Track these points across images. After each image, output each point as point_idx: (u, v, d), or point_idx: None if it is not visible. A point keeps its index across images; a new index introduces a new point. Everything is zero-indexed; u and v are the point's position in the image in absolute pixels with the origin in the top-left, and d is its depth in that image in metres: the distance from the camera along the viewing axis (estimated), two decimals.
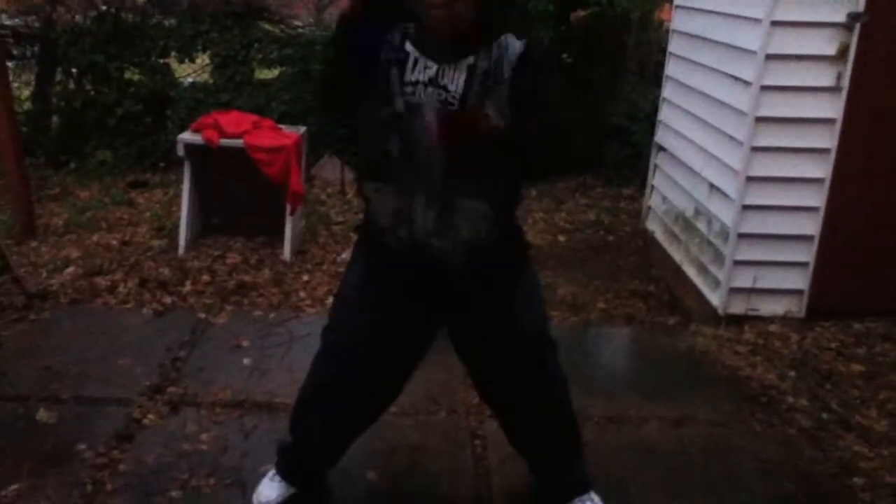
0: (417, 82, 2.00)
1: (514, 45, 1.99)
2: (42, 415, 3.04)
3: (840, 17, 3.60)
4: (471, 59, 1.99)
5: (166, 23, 6.80)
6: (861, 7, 3.56)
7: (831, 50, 3.64)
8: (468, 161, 1.96)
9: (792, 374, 3.51)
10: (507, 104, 1.97)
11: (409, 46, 2.02)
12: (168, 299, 4.14)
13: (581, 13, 6.46)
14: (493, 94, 1.97)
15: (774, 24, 3.62)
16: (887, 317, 3.95)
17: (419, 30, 2.01)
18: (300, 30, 7.10)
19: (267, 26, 6.88)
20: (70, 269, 4.46)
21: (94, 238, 5.01)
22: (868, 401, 3.31)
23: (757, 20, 3.69)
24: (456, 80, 1.98)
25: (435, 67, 1.99)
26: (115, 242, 4.94)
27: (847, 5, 3.58)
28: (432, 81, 1.99)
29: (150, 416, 3.07)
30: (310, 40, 6.68)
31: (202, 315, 3.96)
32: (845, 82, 3.67)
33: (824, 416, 3.20)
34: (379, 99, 2.03)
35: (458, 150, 1.95)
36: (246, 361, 3.52)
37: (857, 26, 3.58)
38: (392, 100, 2.01)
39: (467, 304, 2.19)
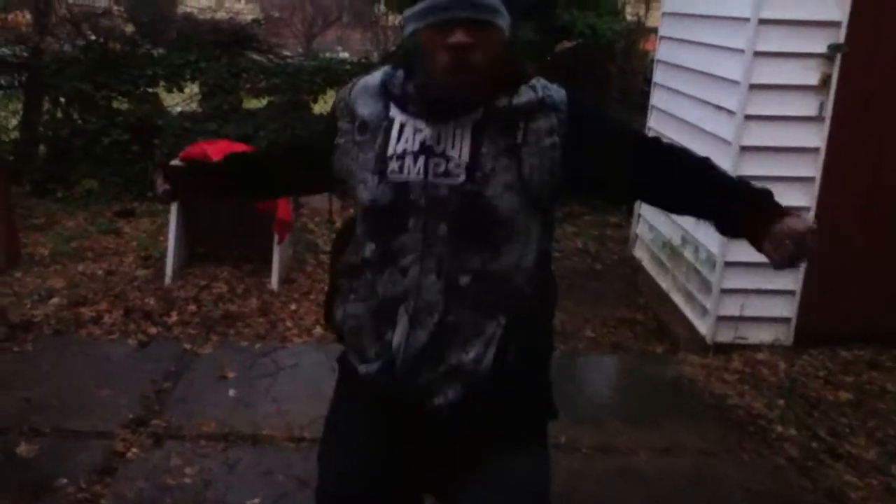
0: (404, 154, 1.50)
1: (557, 92, 1.52)
2: (22, 448, 2.99)
3: (821, 48, 3.65)
4: (478, 114, 1.49)
5: (155, 52, 6.81)
6: (841, 38, 3.61)
7: (813, 80, 3.69)
8: (481, 247, 1.49)
9: (780, 402, 3.50)
10: (559, 164, 1.48)
11: (394, 112, 1.54)
12: (153, 329, 4.10)
13: (566, 44, 6.54)
14: (516, 153, 1.48)
15: (757, 54, 3.67)
16: (873, 344, 3.97)
17: (407, 88, 1.54)
18: (288, 59, 7.14)
19: (255, 56, 6.91)
20: (54, 300, 4.42)
21: (80, 267, 4.97)
22: (857, 429, 3.31)
23: (740, 51, 3.74)
24: (458, 144, 1.48)
25: (428, 130, 1.50)
26: (100, 272, 4.90)
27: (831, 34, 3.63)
28: (424, 149, 1.49)
29: (133, 450, 3.02)
30: (298, 69, 6.70)
31: (187, 345, 3.93)
32: (828, 111, 3.71)
33: (813, 444, 3.19)
34: (356, 183, 1.57)
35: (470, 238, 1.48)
36: (231, 393, 3.48)
37: (838, 57, 3.63)
38: (367, 182, 1.53)
39: (452, 463, 1.61)
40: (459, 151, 1.47)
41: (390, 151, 1.51)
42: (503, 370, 1.52)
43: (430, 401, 1.53)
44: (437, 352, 1.50)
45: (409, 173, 1.48)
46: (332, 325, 1.72)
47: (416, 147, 1.49)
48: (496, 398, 1.53)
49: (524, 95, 1.50)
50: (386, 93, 1.56)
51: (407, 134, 1.51)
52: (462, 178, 1.46)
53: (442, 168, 1.47)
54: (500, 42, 1.45)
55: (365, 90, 1.59)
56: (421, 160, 1.48)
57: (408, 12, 1.45)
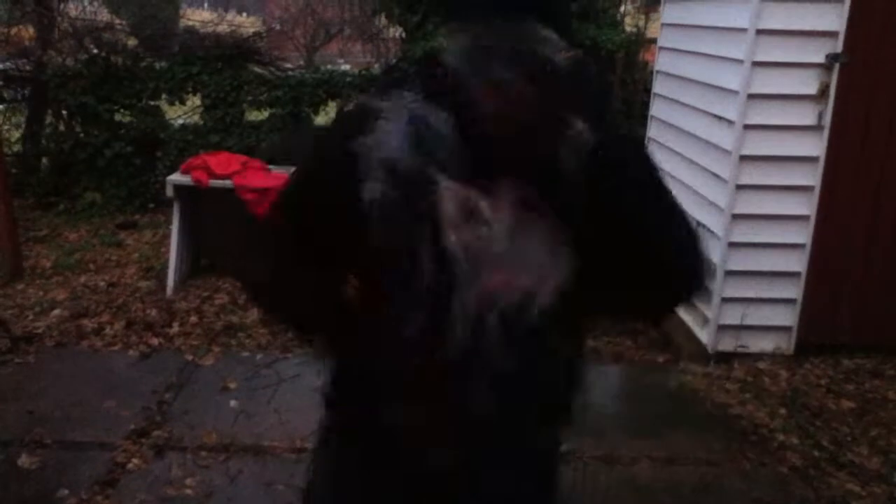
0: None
1: (583, 134, 1.15)
2: (24, 460, 3.00)
3: (820, 58, 3.66)
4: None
5: (157, 65, 6.85)
6: (840, 48, 3.63)
7: (812, 90, 3.70)
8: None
9: (782, 411, 3.50)
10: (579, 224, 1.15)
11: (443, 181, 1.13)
12: (155, 341, 4.11)
13: (567, 54, 6.56)
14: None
15: (756, 64, 3.68)
16: (876, 353, 3.96)
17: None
18: (290, 72, 7.17)
19: (257, 69, 6.95)
20: (56, 312, 4.43)
21: (82, 280, 4.98)
22: (859, 438, 3.30)
23: (739, 61, 3.75)
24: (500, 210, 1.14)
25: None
26: (102, 284, 4.91)
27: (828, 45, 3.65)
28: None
29: (135, 461, 3.02)
30: (300, 82, 6.74)
31: (189, 357, 3.93)
32: (827, 121, 3.72)
33: (815, 453, 3.18)
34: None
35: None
36: (233, 404, 3.48)
37: (837, 66, 3.65)
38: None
39: None
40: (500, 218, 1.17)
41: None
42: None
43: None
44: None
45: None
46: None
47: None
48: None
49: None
50: (421, 143, 1.18)
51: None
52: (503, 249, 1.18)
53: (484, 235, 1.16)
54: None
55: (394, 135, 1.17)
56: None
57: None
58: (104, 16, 8.12)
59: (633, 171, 1.24)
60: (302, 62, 9.84)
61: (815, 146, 3.76)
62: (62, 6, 7.30)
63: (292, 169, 1.36)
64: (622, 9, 7.46)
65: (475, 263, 1.13)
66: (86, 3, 8.02)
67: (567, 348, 1.26)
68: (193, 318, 4.39)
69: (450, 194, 1.12)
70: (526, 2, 1.19)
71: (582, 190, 1.13)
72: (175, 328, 4.26)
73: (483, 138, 1.14)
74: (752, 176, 3.81)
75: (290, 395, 3.57)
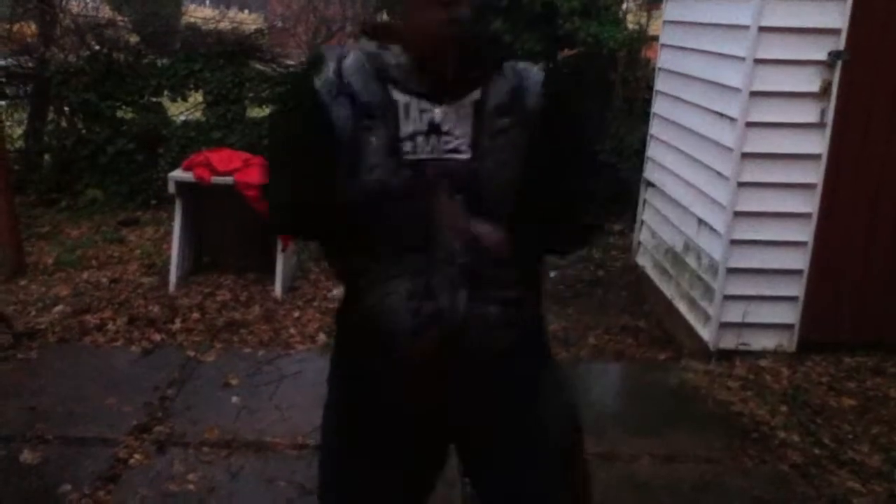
0: (415, 134, 1.52)
1: (533, 73, 1.59)
2: (26, 456, 3.00)
3: (822, 55, 3.66)
4: (477, 94, 1.54)
5: (159, 62, 6.86)
6: (842, 45, 3.63)
7: (814, 87, 3.70)
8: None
9: (783, 409, 3.50)
10: (524, 148, 1.55)
11: (395, 93, 1.53)
12: (157, 337, 4.12)
13: (569, 52, 6.56)
14: (510, 135, 1.55)
15: (758, 61, 3.68)
16: (877, 350, 3.96)
17: (404, 67, 1.54)
18: (292, 69, 7.17)
19: (259, 65, 6.95)
20: (59, 308, 4.44)
21: (84, 276, 4.99)
22: (860, 436, 3.30)
23: (741, 58, 3.75)
24: (462, 123, 1.53)
25: (434, 110, 1.52)
26: (104, 280, 4.92)
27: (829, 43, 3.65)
28: (433, 128, 1.52)
29: (137, 456, 3.03)
30: None
31: (191, 353, 3.94)
32: (829, 118, 3.72)
33: (816, 451, 3.18)
34: (358, 171, 1.53)
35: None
36: (235, 400, 3.49)
37: (839, 64, 3.64)
38: (380, 166, 1.51)
39: (491, 413, 1.64)
40: (463, 131, 1.52)
41: (402, 133, 1.52)
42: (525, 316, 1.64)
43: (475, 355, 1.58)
44: (479, 307, 1.55)
45: (421, 152, 1.51)
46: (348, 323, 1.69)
47: (425, 127, 1.52)
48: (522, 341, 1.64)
49: (509, 77, 1.57)
50: (380, 75, 1.54)
51: (413, 114, 1.52)
52: (468, 154, 1.52)
53: (451, 145, 1.52)
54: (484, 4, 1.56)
55: (357, 72, 1.55)
56: (432, 138, 1.52)
57: None
58: (106, 12, 8.13)
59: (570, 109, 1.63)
60: (304, 59, 9.84)
61: (818, 144, 3.76)
62: (64, 3, 7.31)
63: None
64: (624, 6, 7.45)
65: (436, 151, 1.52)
66: (88, 0, 8.02)
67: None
68: (195, 315, 4.39)
69: (403, 100, 1.53)
70: None
71: (522, 107, 1.55)
72: (177, 324, 4.26)
73: (424, 77, 1.52)
74: (754, 173, 3.80)
75: (292, 392, 3.57)
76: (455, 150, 1.52)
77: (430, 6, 1.47)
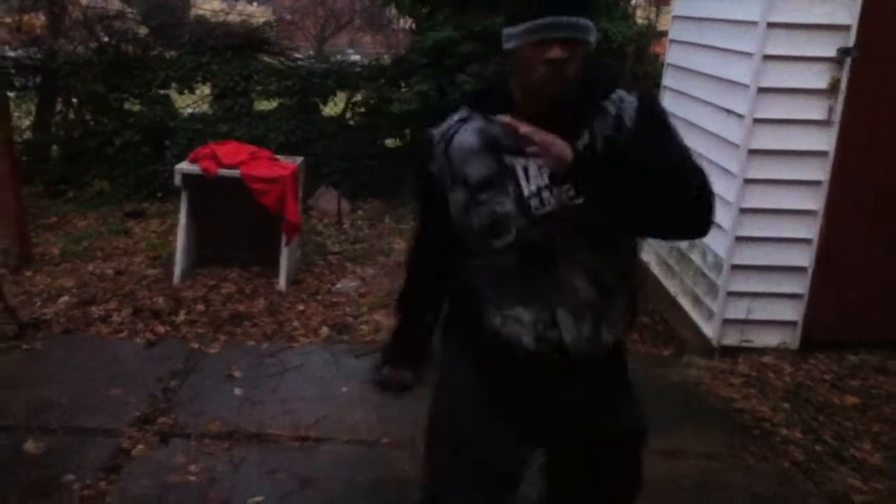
0: (539, 190, 1.68)
1: (628, 99, 1.69)
2: (30, 445, 3.02)
3: (831, 52, 3.63)
4: (586, 138, 1.66)
5: (167, 55, 6.87)
6: (851, 42, 3.60)
7: (822, 84, 3.67)
8: (599, 245, 1.72)
9: (786, 406, 3.49)
10: (628, 169, 1.65)
11: (509, 159, 1.69)
12: (161, 329, 4.13)
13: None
14: (617, 164, 1.65)
15: (766, 58, 3.66)
16: (881, 349, 3.94)
17: (507, 128, 1.65)
18: (299, 62, 7.17)
19: (266, 58, 6.96)
20: (64, 299, 4.46)
21: (90, 267, 5.01)
22: (862, 433, 3.29)
23: (749, 54, 3.73)
24: (577, 168, 1.63)
25: (549, 164, 1.65)
26: (110, 272, 4.94)
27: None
28: (554, 179, 1.65)
29: (139, 447, 3.05)
30: (309, 72, 6.74)
31: (195, 345, 3.95)
32: (837, 115, 3.69)
33: (818, 448, 3.18)
34: (489, 234, 1.72)
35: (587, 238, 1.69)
36: (237, 392, 3.50)
37: (848, 61, 3.62)
38: (514, 228, 1.70)
39: (580, 410, 1.82)
40: (577, 175, 1.62)
41: (527, 193, 1.68)
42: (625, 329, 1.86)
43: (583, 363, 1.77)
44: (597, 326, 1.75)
45: (547, 205, 1.67)
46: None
47: (546, 181, 1.67)
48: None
49: (611, 109, 1.68)
50: (491, 145, 1.70)
51: (532, 173, 1.68)
52: (582, 199, 1.62)
53: (571, 192, 1.62)
54: (589, 54, 1.63)
55: (464, 151, 1.72)
56: (555, 190, 1.65)
57: (508, 30, 1.62)
58: (115, 4, 8.13)
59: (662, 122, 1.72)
60: (312, 52, 9.82)
61: (825, 141, 3.74)
62: None
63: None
64: (633, 1, 7.41)
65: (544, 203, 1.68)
66: None
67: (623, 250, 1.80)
68: (200, 307, 4.41)
69: (521, 163, 1.68)
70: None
71: (624, 134, 1.66)
72: (181, 316, 4.28)
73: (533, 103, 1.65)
74: (761, 170, 3.79)
75: (295, 385, 3.58)
76: (574, 196, 1.62)
77: (535, 64, 1.58)
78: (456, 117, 1.76)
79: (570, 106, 1.63)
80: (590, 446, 1.86)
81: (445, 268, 1.87)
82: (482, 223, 1.71)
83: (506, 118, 1.62)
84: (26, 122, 7.08)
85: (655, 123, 1.70)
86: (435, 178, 1.76)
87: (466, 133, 1.73)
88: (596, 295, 1.72)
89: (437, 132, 1.76)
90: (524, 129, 1.58)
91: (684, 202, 1.66)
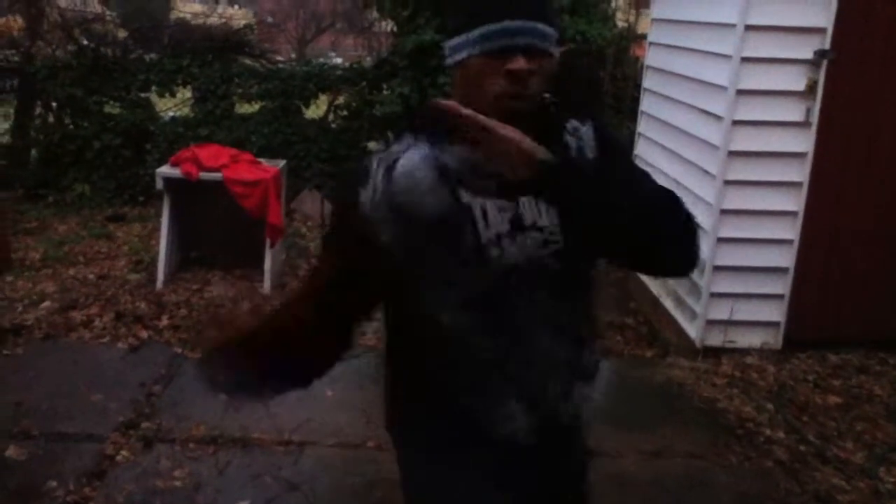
0: (500, 237, 1.37)
1: (583, 129, 1.47)
2: (12, 451, 2.99)
3: (807, 55, 3.68)
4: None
5: (147, 57, 6.83)
6: (827, 45, 3.65)
7: (800, 85, 3.72)
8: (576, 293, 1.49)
9: (769, 406, 3.52)
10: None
11: (465, 196, 1.36)
12: (144, 333, 4.10)
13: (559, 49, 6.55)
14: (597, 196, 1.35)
15: (744, 60, 3.70)
16: (862, 348, 3.99)
17: (471, 163, 1.33)
18: (281, 64, 7.15)
19: (247, 61, 6.93)
20: (45, 304, 4.42)
21: (71, 272, 4.97)
22: (844, 433, 3.33)
23: (727, 56, 3.77)
24: (543, 210, 1.39)
25: (510, 206, 1.38)
26: (91, 276, 4.90)
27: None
28: (517, 226, 1.37)
29: (123, 453, 3.03)
30: (290, 74, 6.72)
31: (178, 349, 3.93)
32: (814, 117, 3.74)
33: (801, 448, 3.21)
34: (438, 285, 1.40)
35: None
36: (221, 396, 3.48)
37: (824, 63, 3.67)
38: (468, 279, 1.38)
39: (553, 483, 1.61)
40: (549, 219, 1.39)
41: (484, 239, 1.36)
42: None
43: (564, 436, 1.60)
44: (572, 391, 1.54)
45: (509, 255, 1.37)
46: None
47: (507, 227, 1.37)
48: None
49: (571, 141, 1.45)
50: (443, 178, 1.35)
51: (491, 218, 1.37)
52: (560, 244, 1.39)
53: (538, 239, 1.38)
54: (551, 66, 1.37)
55: (412, 181, 1.34)
56: (519, 237, 1.37)
57: (456, 39, 1.33)
58: (94, 7, 8.08)
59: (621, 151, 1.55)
60: (293, 55, 9.80)
61: (803, 142, 3.78)
62: None
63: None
64: (613, 4, 7.46)
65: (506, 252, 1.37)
66: None
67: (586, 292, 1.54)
68: (183, 311, 4.38)
69: (479, 203, 1.37)
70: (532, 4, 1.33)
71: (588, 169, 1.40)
72: (164, 321, 4.25)
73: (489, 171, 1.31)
74: (741, 172, 3.82)
75: None
76: (547, 243, 1.39)
77: (491, 77, 1.31)
78: (397, 146, 1.39)
79: (529, 127, 1.30)
80: None
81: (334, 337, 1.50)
82: (432, 274, 1.38)
83: (451, 103, 1.25)
84: (5, 126, 7.01)
85: (616, 150, 1.52)
86: (366, 214, 1.34)
87: (414, 160, 1.34)
88: (568, 351, 1.49)
89: (375, 158, 1.38)
90: (483, 120, 1.23)
91: (672, 233, 1.41)
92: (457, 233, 1.36)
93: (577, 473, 1.69)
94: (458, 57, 1.33)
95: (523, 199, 1.39)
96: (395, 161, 1.35)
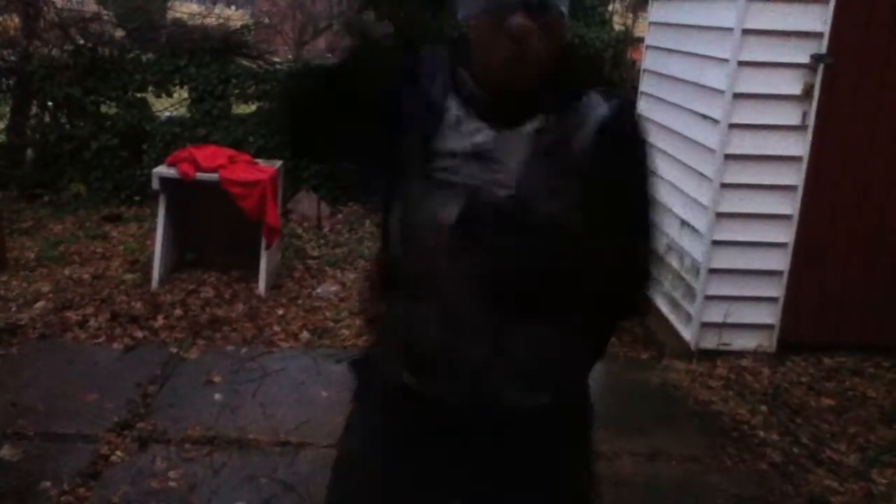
0: (455, 154, 1.31)
1: (599, 106, 1.32)
2: (6, 451, 2.98)
3: (804, 59, 3.69)
4: (537, 122, 1.31)
5: (144, 57, 6.81)
6: (824, 49, 3.66)
7: (797, 89, 3.73)
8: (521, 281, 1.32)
9: (763, 408, 3.53)
10: (577, 188, 1.31)
11: (451, 100, 1.33)
12: (139, 334, 4.10)
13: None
14: (564, 174, 1.31)
15: (741, 63, 3.71)
16: (856, 351, 4.00)
17: (469, 79, 1.32)
18: (278, 65, 7.15)
19: (245, 62, 6.93)
20: (40, 304, 4.41)
21: (66, 272, 4.96)
22: (838, 435, 3.34)
23: (724, 60, 3.78)
24: (515, 154, 1.30)
25: (486, 133, 1.31)
26: (87, 276, 4.89)
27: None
28: (479, 154, 1.30)
29: (118, 453, 3.02)
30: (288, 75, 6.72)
31: (174, 350, 3.92)
32: (811, 121, 3.75)
33: (795, 450, 3.22)
34: (390, 170, 1.36)
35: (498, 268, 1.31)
36: (217, 397, 3.48)
37: (821, 67, 3.68)
38: (409, 178, 1.34)
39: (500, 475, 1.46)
40: (514, 162, 1.29)
41: (440, 145, 1.30)
42: (560, 380, 1.50)
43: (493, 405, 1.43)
44: (502, 352, 1.38)
45: (454, 174, 1.30)
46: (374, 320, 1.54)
47: (469, 148, 1.30)
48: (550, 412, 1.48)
49: (576, 111, 1.32)
50: (452, 79, 1.33)
51: (463, 130, 1.31)
52: (511, 190, 1.29)
53: (490, 176, 1.29)
54: (563, 31, 1.26)
55: (436, 61, 1.36)
56: (472, 164, 1.30)
57: None
58: (91, 7, 8.06)
59: (629, 158, 1.37)
60: (290, 56, 9.80)
61: (799, 146, 3.80)
62: None
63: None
64: (610, 7, 7.48)
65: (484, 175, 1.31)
66: None
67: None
68: (178, 311, 4.38)
69: (456, 112, 1.32)
70: None
71: (578, 142, 1.31)
72: (160, 321, 4.24)
73: (484, 95, 1.31)
74: (737, 175, 3.84)
75: (275, 389, 3.57)
76: (496, 184, 1.29)
77: (497, 39, 1.22)
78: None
79: (535, 85, 1.26)
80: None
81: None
82: (435, 191, 1.32)
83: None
84: (0, 126, 6.99)
85: (625, 150, 1.35)
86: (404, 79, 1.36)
87: (443, 56, 1.37)
88: (499, 331, 1.35)
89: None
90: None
91: (618, 287, 1.36)
92: (421, 123, 1.32)
93: (528, 472, 1.47)
94: (461, 16, 1.27)
95: (501, 132, 1.31)
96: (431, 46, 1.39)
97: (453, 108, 1.32)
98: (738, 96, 3.75)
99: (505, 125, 1.30)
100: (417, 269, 1.37)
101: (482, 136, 1.30)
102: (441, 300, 1.35)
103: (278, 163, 5.04)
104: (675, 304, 4.25)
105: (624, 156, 1.35)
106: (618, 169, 1.33)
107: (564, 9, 1.26)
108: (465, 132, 1.31)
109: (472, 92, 1.31)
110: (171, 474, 2.90)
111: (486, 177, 1.29)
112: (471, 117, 1.31)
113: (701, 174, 4.01)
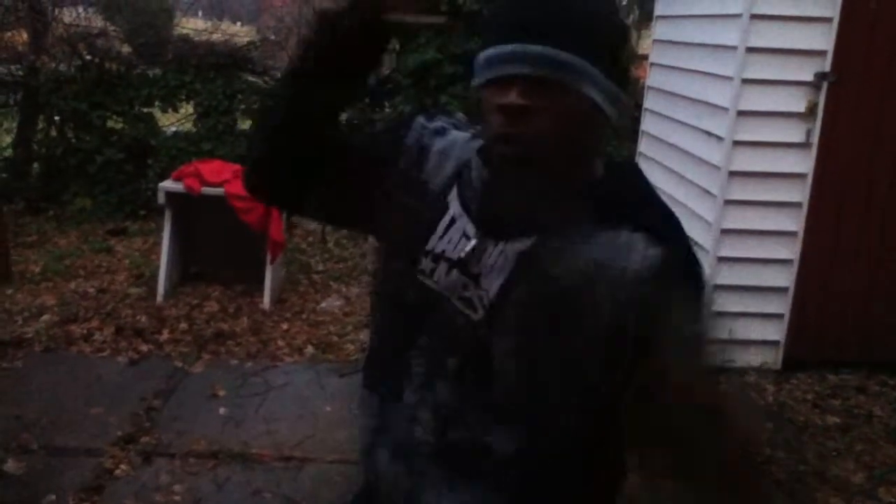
0: (440, 257, 1.12)
1: (639, 250, 1.03)
2: (10, 465, 2.98)
3: (808, 77, 3.71)
4: (529, 241, 1.06)
5: (150, 73, 6.86)
6: (827, 67, 3.68)
7: (800, 107, 3.75)
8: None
9: (768, 425, 3.52)
10: (598, 355, 1.02)
11: (452, 196, 1.14)
12: (144, 347, 4.10)
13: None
14: (562, 325, 1.04)
15: (745, 81, 3.73)
16: (861, 369, 4.00)
17: (479, 167, 1.13)
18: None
19: (250, 77, 6.97)
20: (45, 317, 4.42)
21: (72, 285, 4.97)
22: (844, 453, 3.33)
23: (728, 78, 3.80)
24: (495, 273, 1.08)
25: (472, 241, 1.10)
26: (92, 290, 4.90)
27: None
28: (461, 263, 1.10)
29: (122, 467, 3.02)
30: None
31: (178, 364, 3.93)
32: (815, 138, 3.77)
33: (800, 468, 3.21)
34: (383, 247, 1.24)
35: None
36: (222, 411, 3.48)
37: (825, 85, 3.70)
38: (396, 267, 1.19)
39: None
40: (490, 284, 1.08)
41: (430, 245, 1.13)
42: None
43: None
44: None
45: (438, 282, 1.12)
46: None
47: (455, 255, 1.11)
48: None
49: (598, 242, 1.04)
50: (459, 173, 1.16)
51: (452, 234, 1.12)
52: (480, 316, 1.08)
53: (468, 293, 1.09)
54: (576, 112, 1.02)
55: (448, 152, 1.18)
56: (454, 274, 1.10)
57: (478, 56, 1.06)
58: (98, 22, 8.12)
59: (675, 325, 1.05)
60: None
61: (804, 163, 3.81)
62: (56, 12, 7.30)
63: None
64: None
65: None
66: (80, 10, 8.02)
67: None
68: (183, 325, 4.38)
69: (454, 211, 1.14)
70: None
71: (598, 294, 1.03)
72: (164, 335, 4.25)
73: (482, 194, 1.12)
74: (741, 191, 3.85)
75: (279, 404, 3.57)
76: (469, 303, 1.09)
77: (491, 113, 1.04)
78: (465, 122, 1.23)
79: (528, 185, 1.06)
80: None
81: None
82: (391, 222, 1.20)
83: None
84: (7, 139, 7.03)
85: (671, 326, 1.03)
86: (404, 137, 1.20)
87: (461, 142, 1.18)
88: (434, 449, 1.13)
89: (451, 115, 1.26)
90: None
91: None
92: (418, 213, 1.16)
93: None
94: (473, 82, 1.08)
95: (492, 245, 1.09)
96: (455, 127, 1.21)
97: (452, 206, 1.14)
98: (742, 114, 3.77)
99: (493, 234, 1.09)
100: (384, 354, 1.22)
101: (467, 243, 1.10)
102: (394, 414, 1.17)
103: None
104: None
105: (674, 333, 1.03)
106: (667, 350, 1.01)
107: (588, 84, 1.01)
108: (454, 236, 1.12)
109: (469, 187, 1.13)
110: (176, 488, 2.89)
111: (461, 292, 1.10)
112: (467, 220, 1.12)
113: (705, 190, 4.02)
